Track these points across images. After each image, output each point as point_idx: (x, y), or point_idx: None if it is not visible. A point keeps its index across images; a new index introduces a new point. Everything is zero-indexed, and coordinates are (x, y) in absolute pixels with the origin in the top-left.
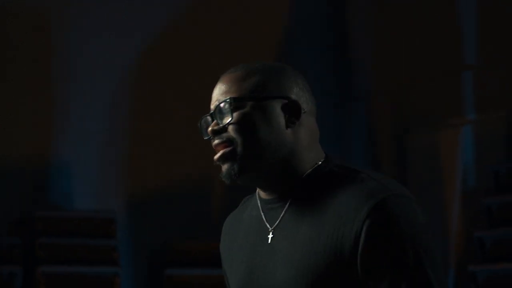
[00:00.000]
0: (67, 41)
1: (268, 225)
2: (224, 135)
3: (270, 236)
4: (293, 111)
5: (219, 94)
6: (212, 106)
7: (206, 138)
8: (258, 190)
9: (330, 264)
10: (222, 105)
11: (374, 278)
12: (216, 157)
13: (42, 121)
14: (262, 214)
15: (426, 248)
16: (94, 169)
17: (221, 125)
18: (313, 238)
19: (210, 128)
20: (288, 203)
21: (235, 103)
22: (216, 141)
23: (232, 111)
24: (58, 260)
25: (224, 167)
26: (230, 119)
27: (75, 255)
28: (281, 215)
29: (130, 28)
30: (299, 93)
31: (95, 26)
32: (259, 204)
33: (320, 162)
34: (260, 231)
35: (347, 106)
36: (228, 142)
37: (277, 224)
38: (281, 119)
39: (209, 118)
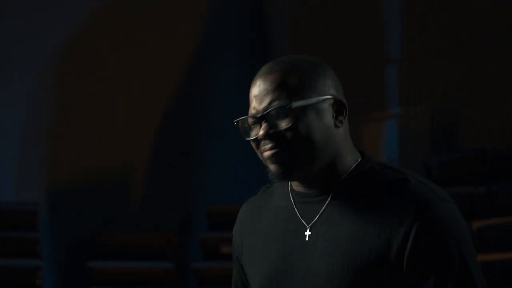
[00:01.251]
0: None
1: (302, 218)
2: (278, 139)
3: (308, 230)
4: (339, 110)
5: (265, 95)
6: (260, 108)
7: (248, 139)
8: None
9: (374, 262)
10: (275, 109)
11: (420, 278)
12: (268, 154)
13: None
14: (294, 206)
15: (471, 252)
16: (15, 161)
17: (277, 130)
18: (356, 236)
19: (262, 132)
20: (328, 199)
21: (290, 108)
22: (270, 145)
23: (288, 115)
24: None
25: (276, 166)
26: (288, 124)
27: None
28: (321, 211)
29: (50, 20)
30: (338, 89)
31: (15, 18)
32: (291, 196)
33: (359, 160)
34: (293, 222)
35: None
36: (282, 146)
37: (316, 219)
38: (331, 119)
39: (251, 119)
